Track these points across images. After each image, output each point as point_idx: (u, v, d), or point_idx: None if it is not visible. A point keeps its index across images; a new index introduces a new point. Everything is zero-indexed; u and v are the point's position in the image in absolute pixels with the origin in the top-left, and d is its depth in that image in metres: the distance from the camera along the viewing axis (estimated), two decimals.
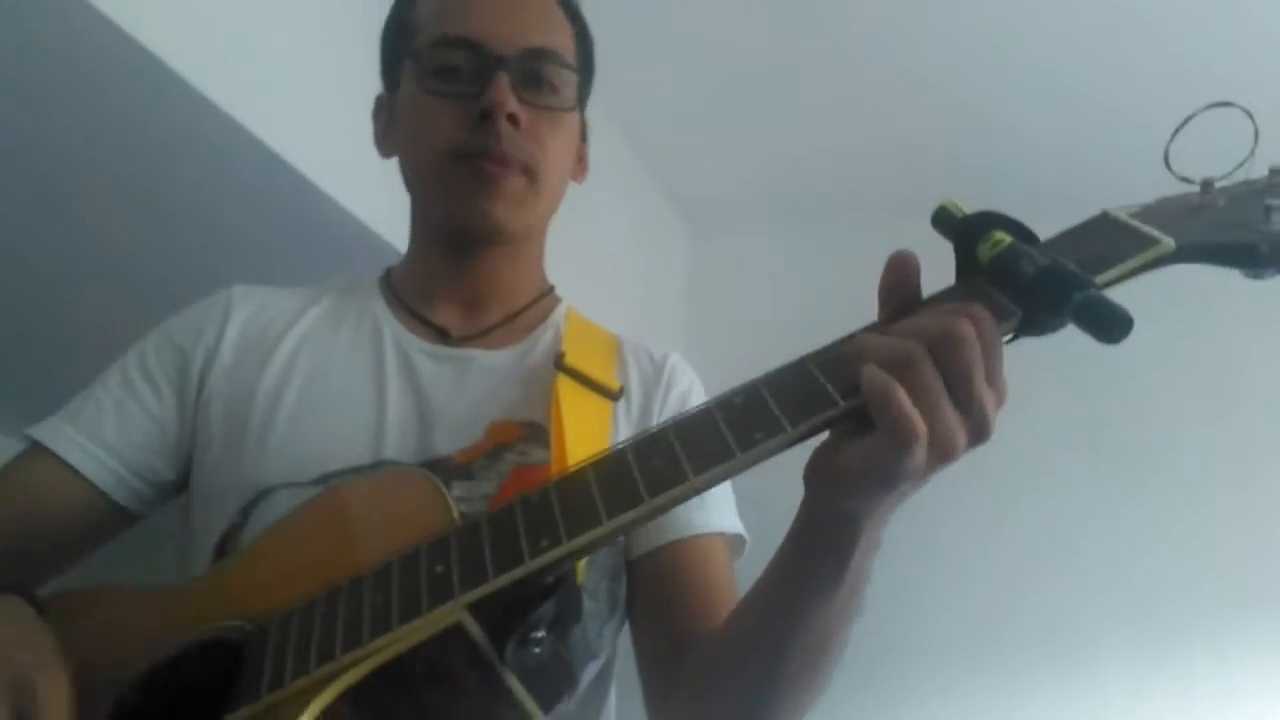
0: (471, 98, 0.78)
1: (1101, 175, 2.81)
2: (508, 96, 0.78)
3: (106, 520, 0.80)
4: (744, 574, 0.81)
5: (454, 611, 0.52)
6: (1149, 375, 2.67)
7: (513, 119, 0.78)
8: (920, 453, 0.48)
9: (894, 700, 2.54)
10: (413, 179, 0.86)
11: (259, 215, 1.49)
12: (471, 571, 0.53)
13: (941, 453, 0.49)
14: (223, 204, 1.44)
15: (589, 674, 0.77)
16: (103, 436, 0.79)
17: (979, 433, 0.50)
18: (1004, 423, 0.52)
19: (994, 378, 0.49)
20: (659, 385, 0.86)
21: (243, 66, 1.42)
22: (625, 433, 0.81)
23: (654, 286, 3.08)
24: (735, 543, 0.82)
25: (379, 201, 1.50)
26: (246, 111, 1.40)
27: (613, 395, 0.81)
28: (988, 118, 2.70)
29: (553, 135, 0.83)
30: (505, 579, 0.52)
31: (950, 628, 2.66)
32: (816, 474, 0.53)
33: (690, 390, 0.88)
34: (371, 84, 0.92)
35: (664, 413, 0.84)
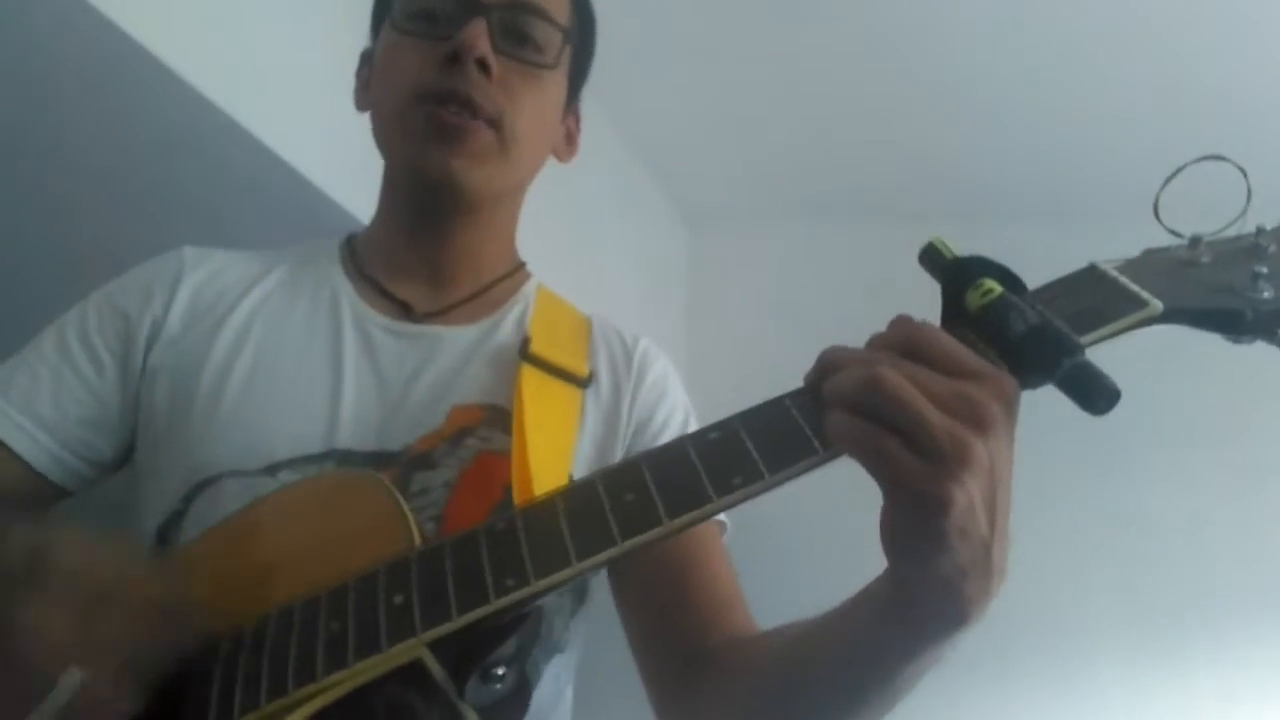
0: (445, 40, 0.75)
1: (1099, 182, 2.82)
2: (480, 39, 0.74)
3: (38, 497, 0.75)
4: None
5: (414, 648, 0.51)
6: (1152, 377, 2.67)
7: (483, 64, 0.74)
8: (923, 476, 0.44)
9: None
10: (378, 129, 0.82)
11: (257, 214, 1.48)
12: (433, 608, 0.52)
13: (956, 457, 0.44)
14: (221, 203, 1.44)
15: (552, 669, 0.75)
16: (37, 411, 0.74)
17: (977, 422, 0.45)
18: None
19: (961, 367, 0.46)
20: (630, 372, 0.83)
21: (242, 66, 1.40)
22: (593, 419, 0.79)
23: (653, 288, 3.08)
24: (718, 526, 0.80)
25: (375, 198, 1.50)
26: (245, 111, 1.39)
27: (581, 382, 0.79)
28: (987, 123, 2.70)
29: (527, 92, 0.78)
30: (468, 618, 0.51)
31: None
32: (885, 545, 0.50)
33: (666, 375, 0.85)
34: None
35: (635, 401, 0.82)
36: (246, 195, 1.53)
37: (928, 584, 0.49)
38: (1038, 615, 2.67)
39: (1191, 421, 2.71)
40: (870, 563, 0.57)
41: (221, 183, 1.50)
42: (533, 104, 0.79)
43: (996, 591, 0.51)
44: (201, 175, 1.48)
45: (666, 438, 0.80)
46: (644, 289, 2.99)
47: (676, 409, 0.83)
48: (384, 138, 0.82)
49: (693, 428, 0.83)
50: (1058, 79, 2.48)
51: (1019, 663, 2.65)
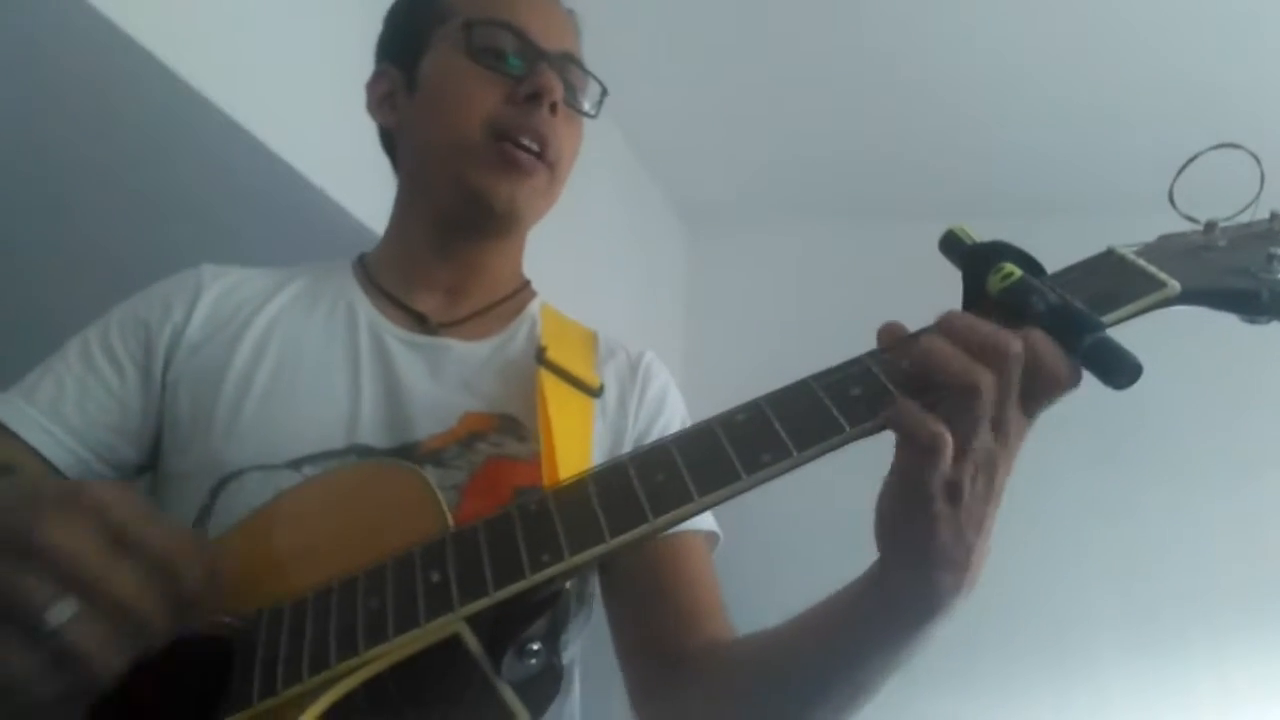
0: (517, 79, 0.81)
1: (1098, 181, 2.84)
2: (557, 85, 0.80)
3: None
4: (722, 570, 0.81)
5: (452, 623, 0.52)
6: (1153, 375, 2.68)
7: (554, 109, 0.80)
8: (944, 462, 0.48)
9: (893, 700, 2.55)
10: (429, 149, 0.84)
11: (256, 214, 1.49)
12: (470, 583, 0.53)
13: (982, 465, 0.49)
14: (220, 203, 1.44)
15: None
16: (62, 415, 0.76)
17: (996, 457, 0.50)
18: None
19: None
20: (634, 383, 0.86)
21: (241, 66, 1.42)
22: (601, 429, 0.81)
23: (652, 288, 3.09)
24: (710, 539, 0.83)
25: (378, 200, 1.51)
26: (245, 111, 1.40)
27: (594, 392, 0.81)
28: (984, 124, 2.73)
29: (571, 136, 0.86)
30: (505, 592, 0.52)
31: (951, 628, 2.67)
32: (879, 539, 0.54)
33: (666, 389, 0.88)
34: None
35: (640, 411, 0.84)
36: (246, 196, 1.53)
37: (909, 562, 0.53)
38: (1037, 612, 2.69)
39: (1190, 418, 2.74)
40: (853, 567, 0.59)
41: (222, 184, 1.50)
42: (572, 147, 0.87)
43: (968, 589, 0.55)
44: (202, 176, 1.48)
45: None
46: (643, 288, 3.00)
47: (674, 421, 0.86)
48: (439, 159, 0.83)
49: None
50: (1056, 80, 2.51)
51: (1019, 660, 2.67)
